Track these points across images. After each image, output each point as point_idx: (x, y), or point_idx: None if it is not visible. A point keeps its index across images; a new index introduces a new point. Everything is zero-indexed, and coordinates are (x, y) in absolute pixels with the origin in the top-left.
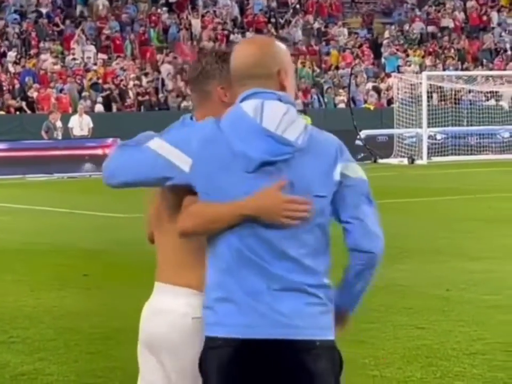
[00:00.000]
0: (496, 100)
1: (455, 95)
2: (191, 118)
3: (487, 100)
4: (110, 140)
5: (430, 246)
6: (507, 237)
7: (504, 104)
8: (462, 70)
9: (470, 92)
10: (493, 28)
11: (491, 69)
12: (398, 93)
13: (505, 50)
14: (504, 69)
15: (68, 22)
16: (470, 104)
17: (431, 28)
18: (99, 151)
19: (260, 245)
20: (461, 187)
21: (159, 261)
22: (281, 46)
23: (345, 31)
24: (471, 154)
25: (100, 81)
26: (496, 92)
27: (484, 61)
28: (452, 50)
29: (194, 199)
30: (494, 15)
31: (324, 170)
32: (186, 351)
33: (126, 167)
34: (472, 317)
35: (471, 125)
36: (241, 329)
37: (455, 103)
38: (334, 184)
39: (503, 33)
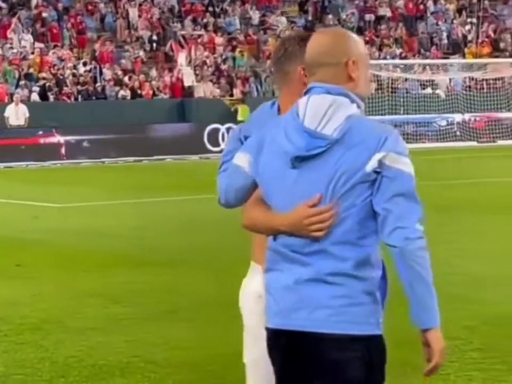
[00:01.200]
0: (433, 89)
1: (392, 84)
2: (273, 104)
3: (424, 89)
4: (46, 129)
5: None
6: (442, 225)
7: (441, 92)
8: (399, 59)
9: (406, 80)
10: (428, 17)
11: (428, 58)
12: None
13: (442, 39)
14: (441, 58)
15: (4, 11)
16: (407, 92)
17: (368, 17)
18: (35, 141)
19: (289, 240)
20: None
21: (254, 244)
22: (355, 38)
23: (283, 19)
24: (407, 142)
25: (37, 70)
26: (432, 81)
27: (421, 49)
28: (389, 39)
29: (257, 194)
30: (430, 4)
31: (359, 159)
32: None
33: (228, 190)
34: None
35: (408, 114)
36: (271, 320)
37: (392, 92)
38: (367, 175)
39: (439, 22)
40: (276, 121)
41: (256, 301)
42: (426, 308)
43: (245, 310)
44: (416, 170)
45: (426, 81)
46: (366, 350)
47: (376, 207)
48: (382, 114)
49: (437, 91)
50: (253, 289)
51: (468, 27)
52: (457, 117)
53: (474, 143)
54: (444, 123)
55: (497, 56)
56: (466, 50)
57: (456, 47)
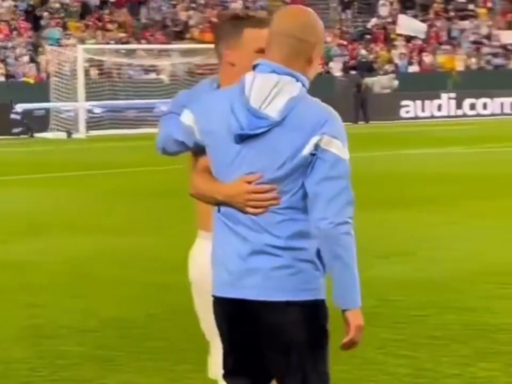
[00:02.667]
0: (157, 74)
1: (116, 69)
2: (213, 81)
3: (147, 74)
4: None
5: (75, 220)
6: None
7: (164, 77)
8: (122, 43)
9: (130, 65)
10: (151, 2)
11: (151, 43)
12: (55, 66)
13: (165, 24)
14: (164, 43)
15: None
16: (129, 78)
17: (92, 1)
18: None
19: (232, 212)
20: (118, 160)
21: (198, 211)
22: (319, 20)
23: (5, 3)
24: (129, 128)
25: None
26: (156, 66)
27: (144, 34)
28: (113, 24)
29: (204, 162)
30: None
31: (297, 143)
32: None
33: (167, 140)
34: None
35: (130, 99)
36: (217, 289)
37: (115, 77)
38: (304, 157)
39: (162, 7)
40: (224, 92)
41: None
42: (346, 289)
43: (203, 279)
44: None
45: (150, 66)
46: (308, 314)
47: (307, 188)
48: (104, 99)
49: (161, 76)
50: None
51: (191, 12)
52: None
53: None
54: (165, 108)
55: None
56: (189, 35)
57: (179, 32)
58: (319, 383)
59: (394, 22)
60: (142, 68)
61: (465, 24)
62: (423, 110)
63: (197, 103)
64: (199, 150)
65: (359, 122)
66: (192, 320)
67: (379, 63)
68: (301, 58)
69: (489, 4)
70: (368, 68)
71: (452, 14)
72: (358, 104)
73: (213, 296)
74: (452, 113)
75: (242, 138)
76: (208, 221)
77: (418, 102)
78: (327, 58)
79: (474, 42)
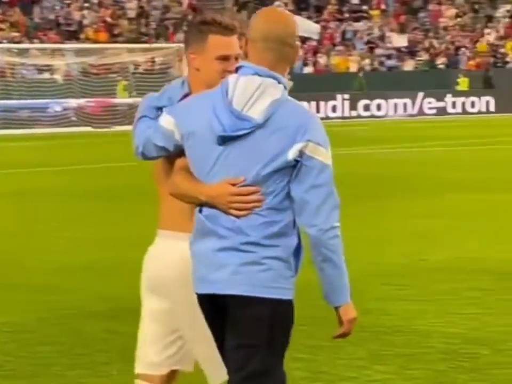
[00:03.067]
0: (50, 73)
1: (9, 68)
2: (183, 83)
3: (41, 73)
4: None
5: None
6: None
7: (58, 77)
8: (15, 43)
9: (23, 65)
10: (44, 1)
11: (45, 42)
12: None
13: (59, 24)
14: (58, 42)
15: None
16: (23, 77)
17: None
18: None
19: (213, 213)
20: (10, 161)
21: (161, 210)
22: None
23: None
24: (22, 128)
25: None
26: (50, 65)
27: (38, 34)
28: (5, 23)
29: (182, 162)
30: None
31: (280, 146)
32: (180, 287)
33: (147, 145)
34: None
35: (23, 99)
36: (197, 286)
37: (8, 76)
38: (288, 162)
39: (56, 6)
40: (205, 95)
41: (182, 265)
42: (336, 287)
43: (168, 278)
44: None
45: (43, 66)
46: (271, 312)
47: (293, 193)
48: None
49: (54, 76)
50: (172, 256)
51: (85, 12)
52: (73, 102)
53: (89, 129)
54: (59, 108)
55: (114, 42)
56: (83, 35)
57: (73, 32)
58: (272, 381)
59: None
60: (35, 68)
61: (359, 25)
62: (318, 111)
63: (176, 107)
64: (178, 154)
65: None
66: (84, 324)
67: None
68: (285, 62)
69: (382, 6)
70: None
71: (346, 15)
72: None
73: (196, 293)
74: (346, 115)
75: (224, 140)
76: (171, 220)
77: (313, 103)
78: None
79: (367, 43)
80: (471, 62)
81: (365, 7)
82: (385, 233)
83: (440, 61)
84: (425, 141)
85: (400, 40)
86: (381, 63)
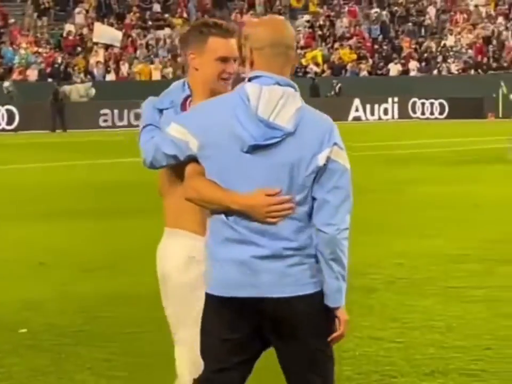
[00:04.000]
0: None
1: None
2: (184, 84)
3: None
4: None
5: None
6: None
7: None
8: None
9: None
10: None
11: None
12: None
13: None
14: None
15: None
16: None
17: None
18: None
19: (243, 219)
20: None
21: (168, 210)
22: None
23: None
24: None
25: None
26: None
27: None
28: None
29: (195, 167)
30: None
31: (310, 152)
32: (178, 280)
33: (157, 154)
34: None
35: None
36: (225, 290)
37: None
38: (317, 166)
39: None
40: (218, 101)
41: (186, 262)
42: (339, 288)
43: (172, 274)
44: None
45: None
46: (319, 304)
47: (316, 194)
48: None
49: None
50: (177, 252)
51: None
52: None
53: None
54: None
55: None
56: None
57: None
58: (327, 365)
59: (90, 30)
60: None
61: (161, 33)
62: (121, 119)
63: (188, 117)
64: (189, 162)
65: (57, 131)
66: None
67: (76, 71)
68: (289, 66)
69: (184, 14)
70: (65, 76)
71: (148, 23)
72: (55, 113)
73: (218, 296)
74: None
75: (254, 149)
76: (175, 218)
77: (116, 111)
78: (24, 66)
79: (170, 51)
80: None
81: (167, 15)
82: None
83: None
84: None
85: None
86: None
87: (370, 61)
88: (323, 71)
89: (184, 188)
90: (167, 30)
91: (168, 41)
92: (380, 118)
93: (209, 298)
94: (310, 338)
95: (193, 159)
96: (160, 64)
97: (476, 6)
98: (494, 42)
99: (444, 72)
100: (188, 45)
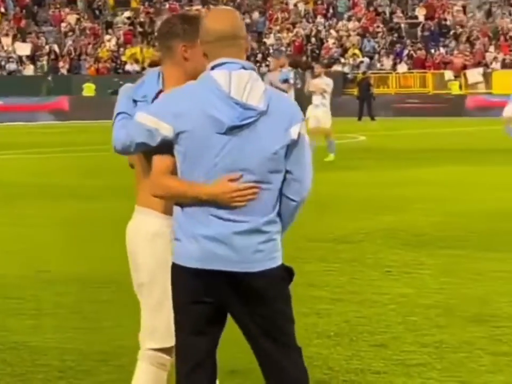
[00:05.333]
0: None
1: None
2: (158, 74)
3: None
4: None
5: None
6: None
7: None
8: None
9: None
10: None
11: None
12: None
13: None
14: None
15: None
16: None
17: None
18: None
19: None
20: None
21: (139, 190)
22: None
23: None
24: None
25: None
26: None
27: None
28: None
29: (162, 162)
30: None
31: (282, 127)
32: (142, 254)
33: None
34: None
35: None
36: (200, 263)
37: None
38: (290, 139)
39: None
40: (186, 89)
41: (150, 240)
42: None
43: (139, 248)
44: None
45: None
46: (285, 276)
47: (287, 166)
48: None
49: None
50: (145, 230)
51: None
52: None
53: None
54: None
55: None
56: None
57: None
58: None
59: None
60: None
61: None
62: None
63: (159, 106)
64: (160, 150)
65: None
66: None
67: None
68: (243, 53)
69: (2, 9)
70: None
71: None
72: None
73: (192, 268)
74: None
75: (232, 129)
76: (148, 199)
77: None
78: None
79: None
80: (93, 68)
81: None
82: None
83: (63, 66)
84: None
85: (21, 45)
86: (2, 67)
87: None
88: (143, 68)
89: (151, 184)
90: None
91: None
92: None
93: (181, 270)
94: (276, 304)
95: (163, 146)
96: None
97: (295, 5)
98: (313, 40)
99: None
100: (177, 36)
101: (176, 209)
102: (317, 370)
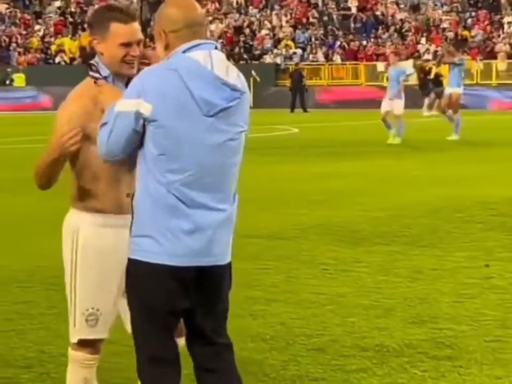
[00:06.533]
0: None
1: None
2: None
3: None
4: None
5: None
6: None
7: None
8: None
9: None
10: None
11: None
12: None
13: None
14: None
15: None
16: None
17: None
18: None
19: (186, 194)
20: None
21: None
22: None
23: None
24: None
25: None
26: None
27: None
28: None
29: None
30: None
31: (248, 105)
32: (95, 247)
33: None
34: None
35: None
36: (177, 259)
37: None
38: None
39: None
40: (162, 74)
41: (100, 229)
42: None
43: (87, 242)
44: None
45: None
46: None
47: None
48: None
49: None
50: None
51: None
52: None
53: None
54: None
55: None
56: None
57: None
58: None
59: None
60: None
61: None
62: None
63: (134, 86)
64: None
65: None
66: None
67: None
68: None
69: None
70: None
71: None
72: None
73: (168, 265)
74: None
75: (221, 111)
76: (84, 200)
77: None
78: None
79: None
80: (23, 58)
81: None
82: None
83: None
84: None
85: None
86: None
87: None
88: (74, 59)
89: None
90: None
91: None
92: None
93: (152, 268)
94: (225, 298)
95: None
96: None
97: None
98: (247, 32)
99: None
100: (91, 30)
101: (141, 204)
102: (252, 377)
